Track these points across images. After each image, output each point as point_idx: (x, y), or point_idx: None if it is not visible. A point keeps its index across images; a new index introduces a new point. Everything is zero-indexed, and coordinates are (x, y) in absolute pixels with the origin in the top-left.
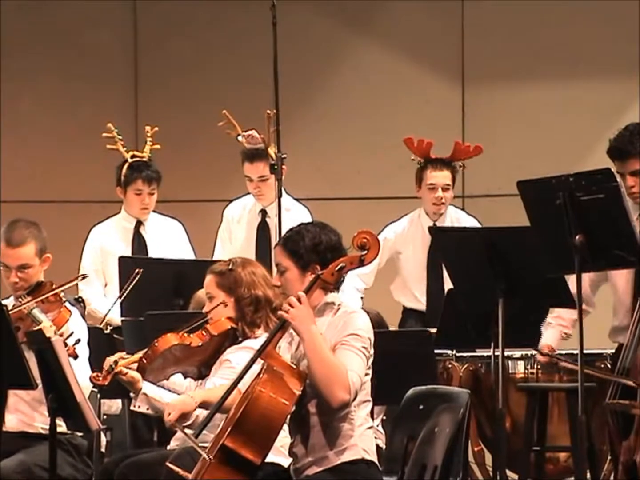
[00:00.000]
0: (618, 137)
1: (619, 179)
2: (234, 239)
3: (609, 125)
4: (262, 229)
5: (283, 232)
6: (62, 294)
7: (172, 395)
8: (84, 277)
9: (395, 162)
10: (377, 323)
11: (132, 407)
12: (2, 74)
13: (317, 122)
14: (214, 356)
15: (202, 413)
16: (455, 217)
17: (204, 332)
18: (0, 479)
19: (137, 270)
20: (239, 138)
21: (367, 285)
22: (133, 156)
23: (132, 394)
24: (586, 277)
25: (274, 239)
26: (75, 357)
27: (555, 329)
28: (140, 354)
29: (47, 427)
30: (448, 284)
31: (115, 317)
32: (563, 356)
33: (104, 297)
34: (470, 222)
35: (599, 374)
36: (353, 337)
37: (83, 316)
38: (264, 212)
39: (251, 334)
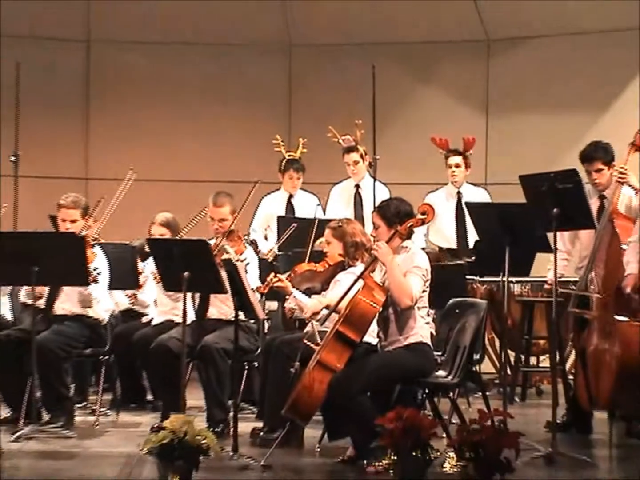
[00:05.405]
0: (586, 148)
1: (582, 175)
2: (338, 206)
3: (570, 145)
4: (357, 198)
5: (377, 203)
6: (243, 236)
7: (308, 298)
8: (248, 234)
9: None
10: (435, 259)
11: (285, 304)
12: (202, 100)
13: (401, 132)
14: (331, 277)
15: (324, 311)
16: (472, 189)
17: (324, 263)
18: (203, 349)
19: (292, 224)
20: (340, 141)
21: (424, 232)
22: (289, 155)
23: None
24: (566, 236)
25: (364, 205)
26: (246, 272)
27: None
28: (286, 274)
29: (233, 316)
30: (472, 232)
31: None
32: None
33: (265, 241)
34: (480, 193)
35: (569, 290)
36: (416, 268)
37: (256, 252)
38: (357, 186)
39: (353, 264)
